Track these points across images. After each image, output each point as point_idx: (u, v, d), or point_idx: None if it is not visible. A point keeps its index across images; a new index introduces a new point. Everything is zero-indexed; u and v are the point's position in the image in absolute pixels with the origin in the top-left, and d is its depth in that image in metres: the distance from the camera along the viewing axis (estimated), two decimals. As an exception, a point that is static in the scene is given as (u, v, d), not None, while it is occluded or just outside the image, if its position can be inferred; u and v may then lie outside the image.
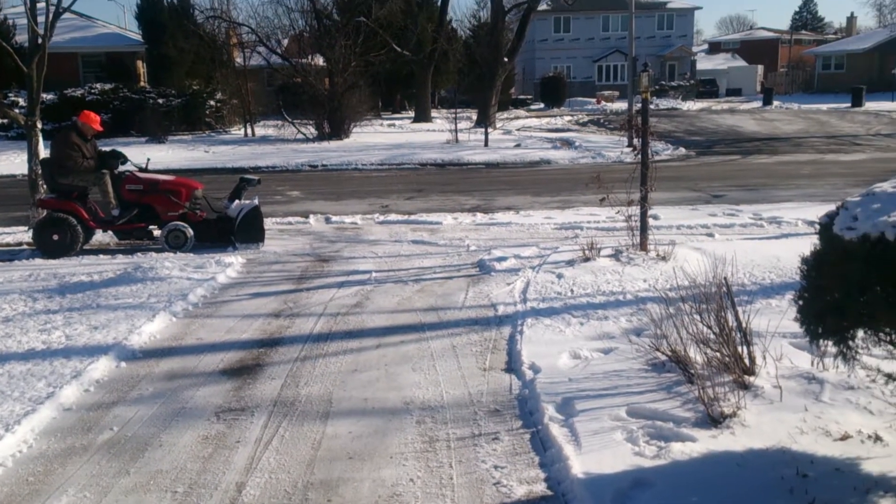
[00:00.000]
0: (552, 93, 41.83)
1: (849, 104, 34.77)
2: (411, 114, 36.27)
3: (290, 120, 25.53)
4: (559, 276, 6.71)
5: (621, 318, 5.50)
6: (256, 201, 9.06)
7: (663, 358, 4.42)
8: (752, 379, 4.08)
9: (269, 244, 8.98)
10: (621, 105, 36.11)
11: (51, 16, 10.26)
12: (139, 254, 8.58)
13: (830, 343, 3.05)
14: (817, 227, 3.18)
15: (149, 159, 9.87)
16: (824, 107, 35.16)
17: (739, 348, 4.16)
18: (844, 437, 3.48)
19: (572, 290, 6.28)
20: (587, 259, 7.20)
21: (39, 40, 10.25)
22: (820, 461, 3.28)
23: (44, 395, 4.39)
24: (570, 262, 7.18)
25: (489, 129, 23.61)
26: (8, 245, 9.57)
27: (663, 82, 46.61)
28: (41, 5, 10.55)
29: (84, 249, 8.87)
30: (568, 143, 22.21)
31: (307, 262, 8.13)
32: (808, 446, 3.42)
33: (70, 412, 4.33)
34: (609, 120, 30.95)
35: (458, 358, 5.00)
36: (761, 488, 3.11)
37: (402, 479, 3.47)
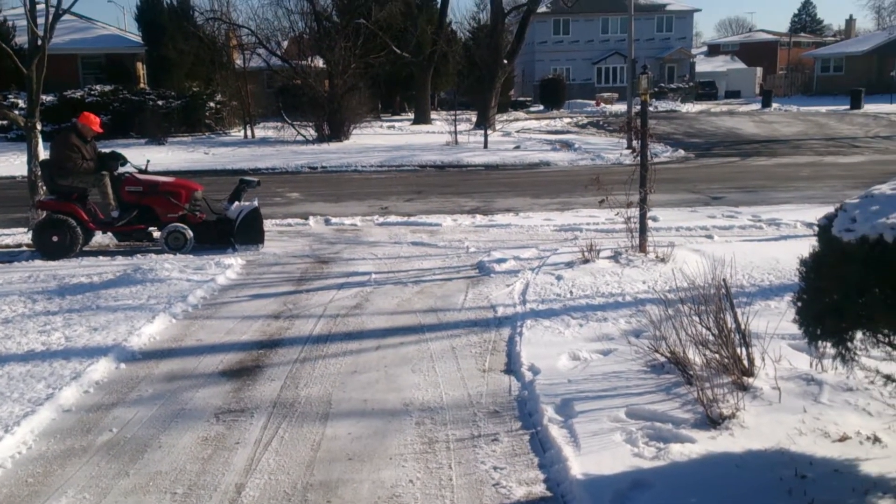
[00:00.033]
0: (551, 95, 41.86)
1: (847, 106, 34.83)
2: (411, 116, 36.28)
3: (289, 122, 25.55)
4: (558, 278, 6.72)
5: (620, 319, 5.50)
6: (256, 203, 9.06)
7: (662, 359, 4.43)
8: (750, 380, 4.08)
9: (269, 246, 8.99)
10: (620, 107, 36.12)
11: (50, 17, 10.26)
12: (139, 255, 8.58)
13: (829, 344, 3.06)
14: (816, 228, 3.19)
15: (148, 161, 9.86)
16: (823, 109, 35.20)
17: (738, 350, 4.16)
18: (843, 439, 3.49)
19: (571, 292, 6.29)
20: (586, 261, 7.20)
21: (39, 42, 10.26)
22: (819, 462, 3.29)
23: (43, 397, 4.39)
24: (570, 264, 7.19)
25: (489, 131, 23.63)
26: (7, 246, 9.57)
27: (662, 84, 46.68)
28: (41, 7, 10.56)
29: (84, 251, 8.87)
30: (567, 145, 22.23)
31: (307, 263, 8.14)
32: (807, 447, 3.43)
33: (69, 413, 4.33)
34: (608, 122, 30.97)
35: (457, 359, 5.00)
36: (760, 489, 3.12)
37: (402, 480, 3.47)
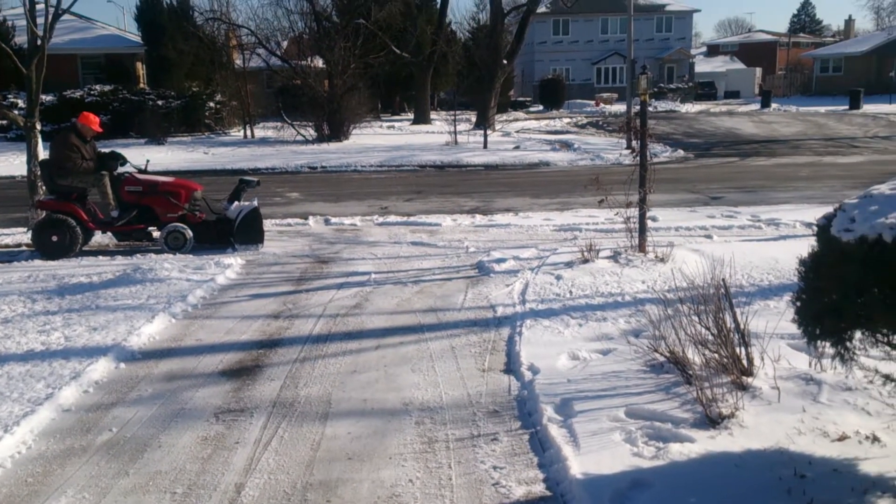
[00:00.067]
0: (551, 95, 41.86)
1: (847, 106, 34.86)
2: (410, 116, 36.28)
3: (289, 122, 25.55)
4: (558, 278, 6.72)
5: (620, 319, 5.51)
6: (256, 203, 9.07)
7: (662, 359, 4.43)
8: (750, 380, 4.09)
9: (269, 245, 8.99)
10: (620, 107, 36.13)
11: (50, 17, 10.26)
12: (138, 255, 8.58)
13: (828, 344, 3.06)
14: (815, 228, 3.19)
15: (148, 161, 9.87)
16: (822, 109, 35.21)
17: (737, 349, 4.17)
18: (842, 438, 3.49)
19: (571, 292, 6.29)
20: (586, 261, 7.20)
21: (39, 42, 10.25)
22: (818, 462, 3.29)
23: (43, 397, 4.39)
24: (569, 264, 7.19)
25: (488, 131, 23.63)
26: (7, 246, 9.57)
27: (662, 84, 46.68)
28: (40, 7, 10.56)
29: (83, 251, 8.87)
30: (567, 145, 22.24)
31: (306, 263, 8.14)
32: (806, 447, 3.43)
33: (69, 413, 4.34)
34: (608, 122, 30.99)
35: (457, 359, 5.01)
36: (759, 489, 3.12)
37: (402, 479, 3.47)
